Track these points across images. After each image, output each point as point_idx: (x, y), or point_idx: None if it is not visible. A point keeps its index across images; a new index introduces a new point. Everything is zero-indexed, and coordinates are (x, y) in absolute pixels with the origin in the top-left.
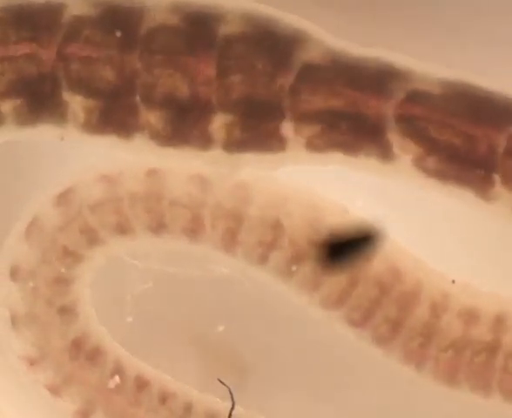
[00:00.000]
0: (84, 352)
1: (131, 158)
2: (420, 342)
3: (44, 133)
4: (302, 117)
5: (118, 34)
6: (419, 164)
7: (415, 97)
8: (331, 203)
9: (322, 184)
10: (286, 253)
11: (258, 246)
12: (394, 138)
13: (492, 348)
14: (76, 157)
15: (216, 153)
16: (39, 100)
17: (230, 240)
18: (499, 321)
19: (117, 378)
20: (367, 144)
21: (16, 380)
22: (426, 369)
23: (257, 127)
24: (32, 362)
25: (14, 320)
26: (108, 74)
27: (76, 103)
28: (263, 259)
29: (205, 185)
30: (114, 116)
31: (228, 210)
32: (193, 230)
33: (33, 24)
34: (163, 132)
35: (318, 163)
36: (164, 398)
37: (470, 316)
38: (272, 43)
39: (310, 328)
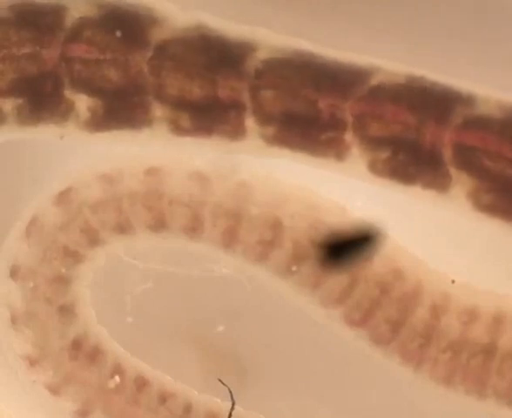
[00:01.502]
0: (84, 352)
1: (131, 157)
2: (419, 343)
3: (45, 132)
4: (365, 140)
5: (119, 34)
6: (473, 196)
7: (473, 123)
8: (331, 203)
9: (322, 184)
10: (286, 253)
11: (258, 246)
12: (451, 169)
13: (488, 351)
14: (76, 156)
15: (248, 143)
16: (40, 99)
17: (230, 239)
18: (496, 322)
19: (116, 378)
20: (425, 176)
21: (16, 380)
22: (424, 370)
23: (308, 133)
24: (32, 362)
25: (14, 320)
26: (112, 74)
27: (81, 101)
28: (263, 259)
29: (205, 183)
30: (120, 113)
31: (228, 209)
32: (193, 228)
33: (35, 24)
34: (181, 125)
35: (376, 184)
36: (163, 398)
37: (469, 316)
38: (315, 72)
39: (310, 328)
